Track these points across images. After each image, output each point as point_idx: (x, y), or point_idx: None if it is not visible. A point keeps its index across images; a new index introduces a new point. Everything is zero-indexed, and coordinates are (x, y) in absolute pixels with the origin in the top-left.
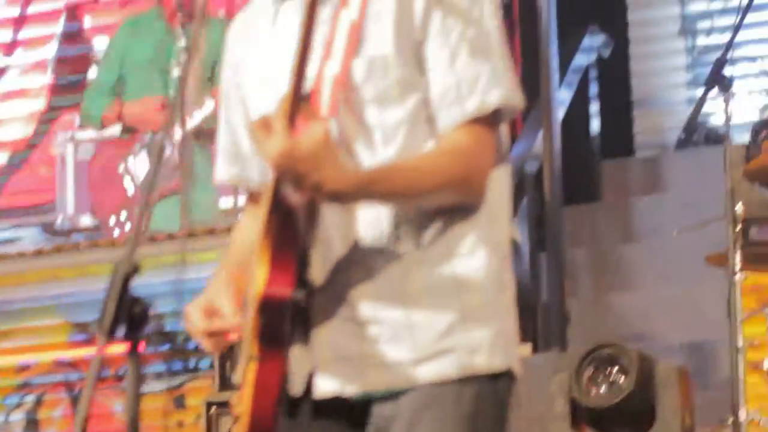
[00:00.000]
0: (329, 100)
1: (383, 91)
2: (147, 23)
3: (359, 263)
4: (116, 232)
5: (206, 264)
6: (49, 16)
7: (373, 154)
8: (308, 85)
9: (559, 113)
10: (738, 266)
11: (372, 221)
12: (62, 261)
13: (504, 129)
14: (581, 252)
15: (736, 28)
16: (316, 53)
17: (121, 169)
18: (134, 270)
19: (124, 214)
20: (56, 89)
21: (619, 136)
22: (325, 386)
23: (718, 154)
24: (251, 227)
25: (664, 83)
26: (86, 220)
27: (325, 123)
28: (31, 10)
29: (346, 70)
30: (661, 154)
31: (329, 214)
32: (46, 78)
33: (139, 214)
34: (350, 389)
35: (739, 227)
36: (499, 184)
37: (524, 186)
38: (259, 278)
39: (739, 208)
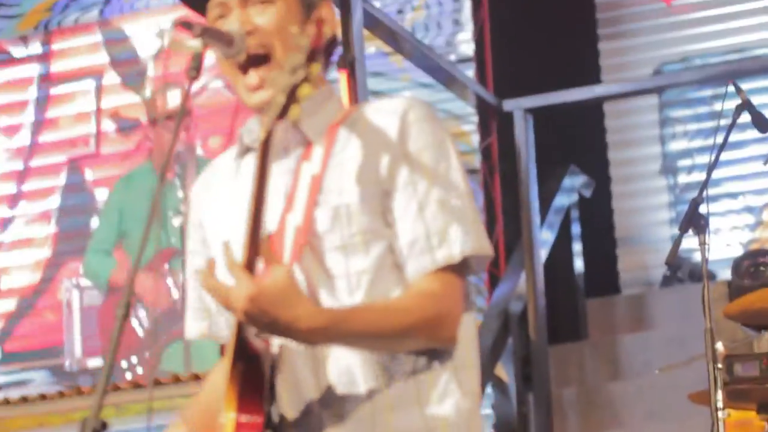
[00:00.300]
0: (291, 247)
1: (347, 240)
2: (142, 177)
3: (330, 406)
4: (128, 375)
5: None
6: (51, 170)
7: (337, 303)
8: (267, 232)
9: (542, 253)
10: (720, 404)
11: (343, 365)
12: (67, 405)
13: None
14: (569, 390)
15: (711, 167)
16: (277, 204)
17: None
18: (102, 427)
19: (134, 359)
20: (60, 238)
21: (604, 274)
22: None
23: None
24: (218, 379)
25: (647, 221)
26: (96, 363)
27: (286, 266)
28: (34, 163)
29: (308, 220)
30: (646, 291)
31: (299, 357)
32: (51, 228)
33: (106, 367)
34: None
35: (720, 365)
36: (467, 332)
37: (509, 326)
38: (228, 425)
39: (720, 346)
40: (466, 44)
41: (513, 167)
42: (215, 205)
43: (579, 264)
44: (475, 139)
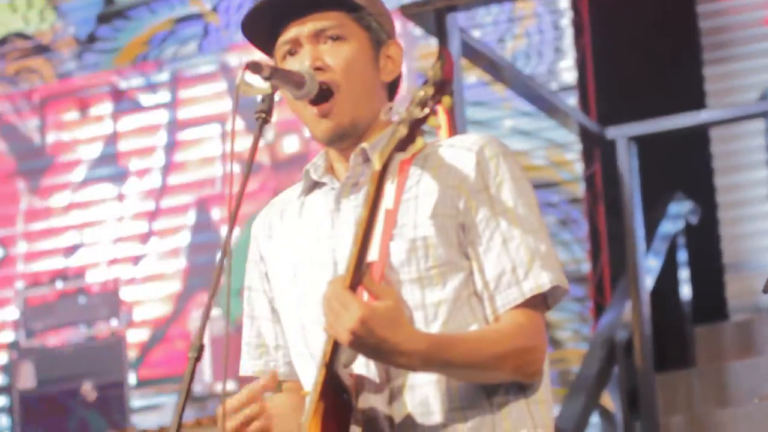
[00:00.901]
0: None
1: (423, 273)
2: None
3: None
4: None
5: None
6: (180, 209)
7: None
8: (369, 260)
9: (648, 281)
10: None
11: (419, 396)
12: None
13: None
14: (676, 419)
15: None
16: (350, 239)
17: None
18: None
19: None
20: (191, 272)
21: (712, 300)
22: None
23: None
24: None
25: (756, 247)
26: (228, 386)
27: (394, 290)
28: (164, 204)
29: (383, 254)
30: (754, 317)
31: (374, 388)
32: (181, 263)
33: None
34: None
35: None
36: (545, 372)
37: (615, 354)
38: None
39: None
40: (567, 72)
41: (617, 195)
42: (278, 242)
43: (686, 291)
44: (579, 167)
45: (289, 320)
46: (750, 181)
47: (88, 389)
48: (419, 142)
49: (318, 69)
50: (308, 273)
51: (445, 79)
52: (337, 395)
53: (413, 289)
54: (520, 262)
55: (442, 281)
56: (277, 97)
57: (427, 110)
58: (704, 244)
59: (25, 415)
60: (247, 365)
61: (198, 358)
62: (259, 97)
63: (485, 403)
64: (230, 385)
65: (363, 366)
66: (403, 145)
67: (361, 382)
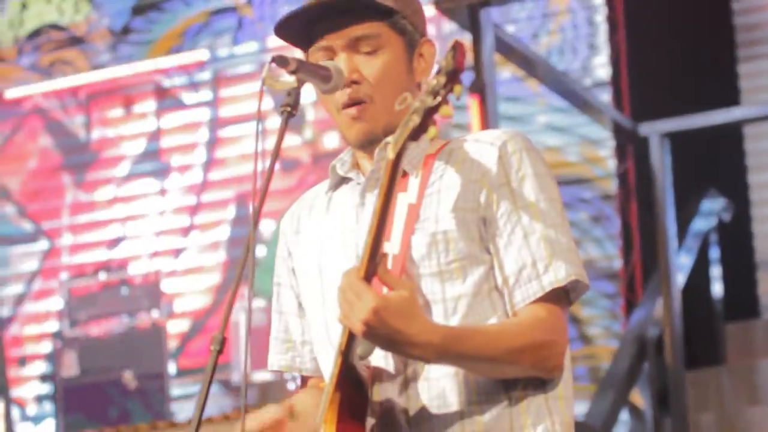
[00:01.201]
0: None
1: (444, 267)
2: None
3: (419, 427)
4: (291, 386)
5: None
6: (220, 204)
7: None
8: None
9: (679, 278)
10: None
11: (436, 389)
12: None
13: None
14: (707, 416)
15: None
16: (367, 229)
17: None
18: None
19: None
20: (230, 265)
21: (743, 298)
22: None
23: None
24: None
25: None
26: (261, 376)
27: (410, 282)
28: (205, 198)
29: (405, 247)
30: None
31: (391, 380)
32: (221, 256)
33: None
34: None
35: None
36: (566, 368)
37: (646, 351)
38: None
39: None
40: (601, 68)
41: (650, 192)
42: (305, 238)
43: (717, 288)
44: (612, 163)
45: (313, 314)
46: None
47: (129, 378)
48: (432, 131)
49: (355, 83)
50: (332, 267)
51: (457, 68)
52: (353, 386)
53: (433, 283)
54: (540, 256)
55: (462, 275)
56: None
57: (439, 99)
58: (737, 241)
59: (68, 403)
60: (274, 360)
61: (220, 351)
62: (286, 91)
63: (503, 397)
64: (264, 375)
65: (381, 358)
66: (416, 134)
67: (378, 373)
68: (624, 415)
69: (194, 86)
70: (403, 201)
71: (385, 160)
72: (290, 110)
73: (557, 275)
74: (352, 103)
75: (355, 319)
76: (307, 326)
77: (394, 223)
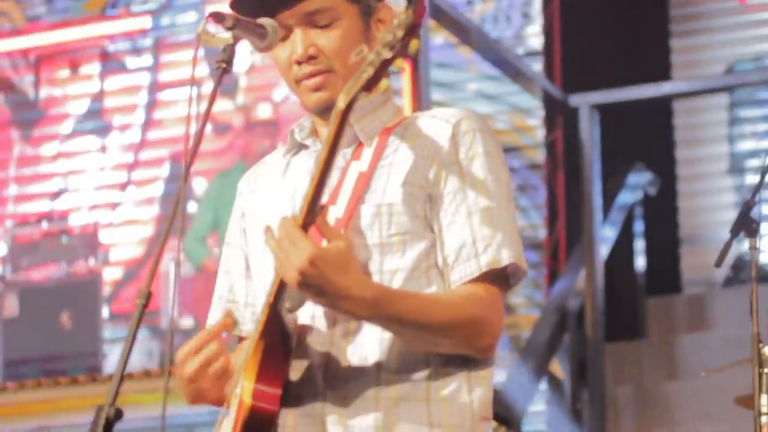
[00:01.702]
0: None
1: (385, 239)
2: (236, 174)
3: (336, 388)
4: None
5: None
6: (156, 162)
7: None
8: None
9: (603, 250)
10: (764, 408)
11: (359, 353)
12: None
13: None
14: (624, 389)
15: (765, 170)
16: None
17: None
18: (117, 415)
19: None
20: (162, 219)
21: (666, 273)
22: None
23: (765, 293)
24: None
25: (712, 221)
26: (187, 323)
27: (346, 236)
28: (142, 156)
29: (348, 215)
30: (707, 291)
31: (317, 338)
32: (155, 210)
33: (123, 356)
34: None
35: (766, 369)
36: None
37: (566, 322)
38: (246, 391)
39: (766, 350)
40: (535, 38)
41: (577, 163)
42: (260, 199)
43: (640, 262)
44: (541, 133)
45: (257, 274)
46: (710, 155)
47: (66, 320)
48: (384, 83)
49: (312, 57)
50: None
51: (416, 23)
52: (278, 338)
53: (373, 254)
54: (481, 236)
55: (402, 249)
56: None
57: (394, 51)
58: (661, 216)
59: (7, 342)
60: (215, 317)
61: (146, 305)
62: (221, 47)
63: (424, 369)
64: (189, 321)
65: (309, 317)
66: (369, 85)
67: (304, 330)
68: (543, 385)
69: (137, 51)
70: (354, 169)
71: (336, 108)
72: (225, 66)
73: (497, 256)
74: (312, 75)
75: (290, 267)
76: (252, 288)
77: (342, 189)
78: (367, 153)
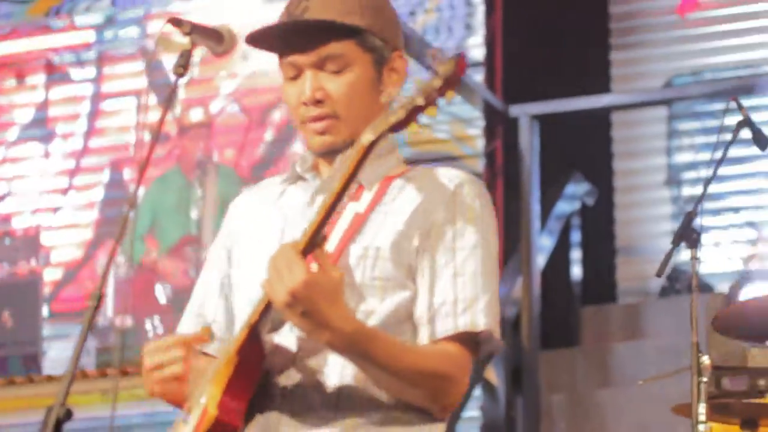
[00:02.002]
0: None
1: (367, 282)
2: (172, 178)
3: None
4: (150, 334)
5: None
6: (97, 168)
7: None
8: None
9: (540, 259)
10: (702, 417)
11: (319, 387)
12: None
13: None
14: (558, 396)
15: (707, 181)
16: (317, 207)
17: (156, 288)
18: (67, 415)
19: (157, 319)
20: (101, 223)
21: (601, 282)
22: None
23: (703, 303)
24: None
25: (649, 232)
26: (125, 321)
27: (340, 269)
28: (84, 163)
29: (338, 253)
30: (642, 301)
31: (280, 361)
32: (94, 215)
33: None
34: None
35: (705, 378)
36: None
37: (502, 330)
38: (212, 401)
39: (705, 359)
40: (476, 49)
41: (517, 172)
42: (251, 221)
43: (577, 271)
44: (481, 143)
45: (239, 298)
46: (648, 167)
47: (7, 318)
48: (413, 127)
49: (319, 102)
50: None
51: (456, 77)
52: (252, 356)
53: (352, 294)
54: (463, 297)
55: (381, 294)
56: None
57: (428, 100)
58: (598, 226)
59: None
60: (183, 329)
61: (97, 307)
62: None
63: (382, 408)
64: (126, 320)
65: (281, 336)
66: (397, 127)
67: (273, 349)
68: (477, 391)
69: (81, 64)
70: (351, 210)
71: (358, 142)
72: (182, 71)
73: (474, 320)
74: (317, 119)
75: (281, 288)
76: (223, 308)
77: (337, 226)
78: (367, 197)
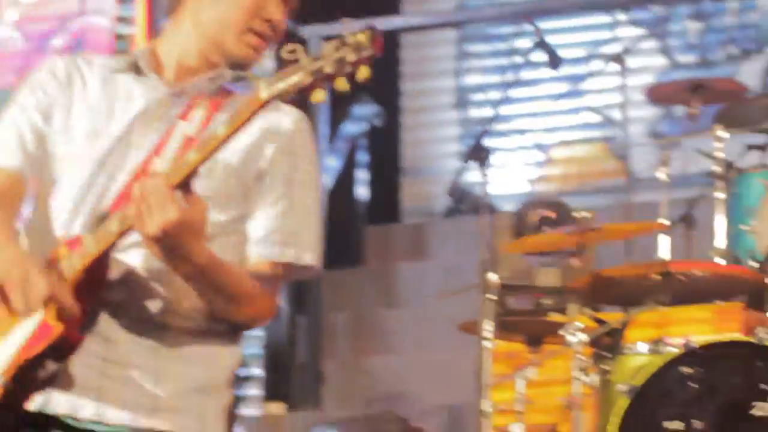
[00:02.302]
0: None
1: (209, 193)
2: None
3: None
4: None
5: None
6: None
7: None
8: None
9: (326, 180)
10: (489, 334)
11: (152, 301)
12: None
13: None
14: (341, 315)
15: (497, 103)
16: (145, 148)
17: None
18: None
19: None
20: None
21: (387, 203)
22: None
23: (486, 223)
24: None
25: (435, 153)
26: None
27: (205, 202)
28: None
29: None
30: (427, 221)
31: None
32: None
33: None
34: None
35: (492, 296)
36: None
37: None
38: (50, 314)
39: (492, 276)
40: None
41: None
42: (82, 99)
43: (363, 191)
44: (271, 64)
45: (70, 174)
46: (436, 89)
47: None
48: (319, 94)
49: (274, 30)
50: (105, 142)
51: (373, 54)
52: (98, 273)
53: None
54: (292, 230)
55: (224, 208)
56: None
57: (337, 71)
58: (385, 147)
59: None
60: (12, 156)
61: None
62: None
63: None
64: None
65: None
66: (301, 91)
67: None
68: None
69: None
70: (181, 128)
71: (255, 96)
72: None
73: (300, 254)
74: (263, 39)
75: (152, 223)
76: (43, 141)
77: (169, 145)
78: (198, 114)
